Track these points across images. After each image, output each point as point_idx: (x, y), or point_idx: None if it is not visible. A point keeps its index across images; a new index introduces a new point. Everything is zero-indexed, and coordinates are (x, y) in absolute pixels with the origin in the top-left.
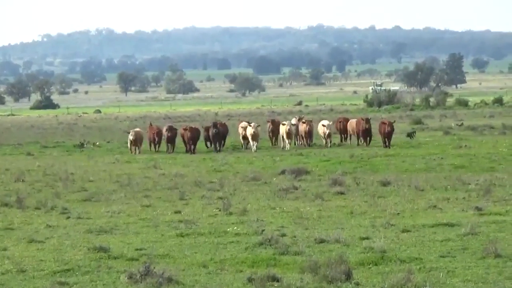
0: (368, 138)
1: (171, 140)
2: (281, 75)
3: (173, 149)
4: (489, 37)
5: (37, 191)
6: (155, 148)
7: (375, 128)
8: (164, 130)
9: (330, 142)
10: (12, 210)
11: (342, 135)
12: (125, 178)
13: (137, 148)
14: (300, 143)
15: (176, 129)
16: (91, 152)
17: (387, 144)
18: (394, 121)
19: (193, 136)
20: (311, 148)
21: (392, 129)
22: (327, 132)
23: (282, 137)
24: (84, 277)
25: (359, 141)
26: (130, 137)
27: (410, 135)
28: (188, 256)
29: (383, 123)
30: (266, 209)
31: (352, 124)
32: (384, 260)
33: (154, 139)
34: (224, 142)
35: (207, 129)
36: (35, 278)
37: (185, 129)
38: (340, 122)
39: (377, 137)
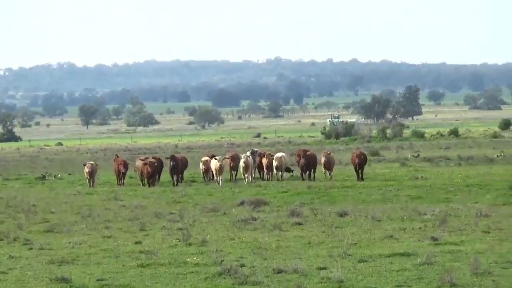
0: (308, 172)
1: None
2: (240, 107)
3: (154, 183)
4: (444, 70)
5: (0, 222)
6: (118, 180)
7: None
8: (140, 162)
9: (282, 175)
10: None
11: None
12: (86, 209)
13: (92, 180)
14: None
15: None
16: (52, 184)
17: (359, 176)
18: (364, 156)
19: (153, 170)
20: (281, 179)
21: (362, 161)
22: (276, 164)
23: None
24: None
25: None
26: (86, 169)
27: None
28: (148, 287)
29: (355, 153)
30: (225, 239)
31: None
32: None
33: (119, 172)
34: (182, 176)
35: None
36: None
37: (145, 164)
38: (298, 154)
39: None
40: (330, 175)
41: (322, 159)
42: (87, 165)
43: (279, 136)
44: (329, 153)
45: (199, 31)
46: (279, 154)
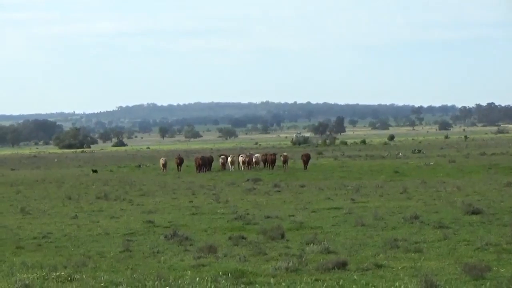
0: (273, 165)
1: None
2: (247, 128)
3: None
4: (357, 108)
5: (115, 190)
6: (178, 168)
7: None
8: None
9: (248, 168)
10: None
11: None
12: (162, 183)
13: (165, 169)
14: (244, 167)
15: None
16: (144, 169)
17: (305, 166)
18: (308, 155)
19: (204, 162)
20: (260, 169)
21: (306, 157)
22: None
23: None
24: None
25: (270, 167)
26: (161, 161)
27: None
28: (197, 225)
29: (303, 154)
30: (238, 200)
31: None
32: (302, 227)
33: (180, 163)
34: (211, 166)
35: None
36: None
37: (200, 158)
38: (269, 155)
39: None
40: (285, 166)
41: (282, 158)
42: (162, 159)
43: (267, 143)
44: (286, 154)
45: (229, 85)
46: (257, 154)
